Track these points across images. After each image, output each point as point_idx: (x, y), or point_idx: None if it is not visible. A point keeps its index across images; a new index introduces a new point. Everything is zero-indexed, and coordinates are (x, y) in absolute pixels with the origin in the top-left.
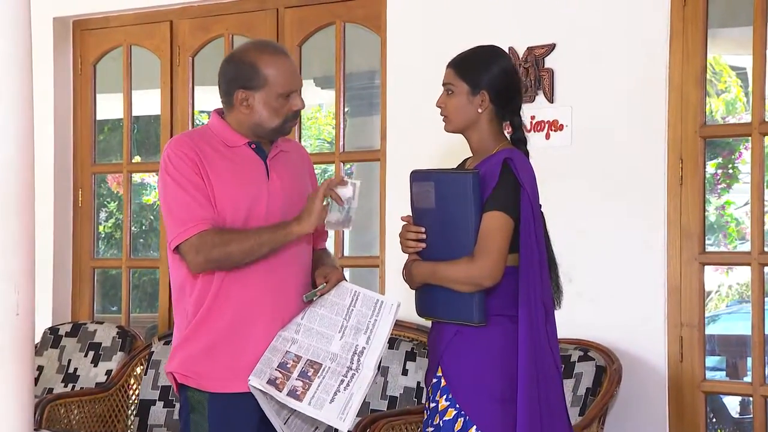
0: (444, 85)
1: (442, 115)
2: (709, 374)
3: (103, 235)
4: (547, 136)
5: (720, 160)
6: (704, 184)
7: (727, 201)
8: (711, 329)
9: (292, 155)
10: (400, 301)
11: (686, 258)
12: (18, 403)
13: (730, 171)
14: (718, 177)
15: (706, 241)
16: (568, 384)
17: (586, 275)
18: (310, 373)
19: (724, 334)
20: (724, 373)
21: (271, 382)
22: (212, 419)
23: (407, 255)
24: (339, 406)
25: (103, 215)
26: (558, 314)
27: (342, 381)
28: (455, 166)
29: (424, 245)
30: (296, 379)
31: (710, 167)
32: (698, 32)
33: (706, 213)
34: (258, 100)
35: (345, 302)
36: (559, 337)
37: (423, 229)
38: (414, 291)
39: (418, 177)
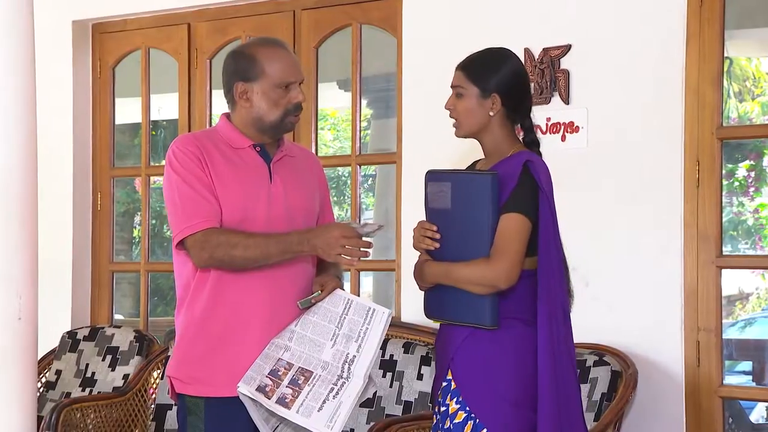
0: (453, 87)
1: (451, 118)
2: (740, 378)
3: (137, 240)
4: (563, 138)
5: (751, 161)
6: (721, 187)
7: (761, 204)
8: (747, 333)
9: (300, 160)
10: (391, 310)
11: (703, 261)
12: (20, 409)
13: (760, 174)
14: (750, 179)
15: (743, 245)
16: (583, 389)
17: (602, 279)
18: (300, 381)
19: (756, 339)
20: (751, 377)
21: (261, 389)
22: (209, 422)
23: (418, 254)
24: (327, 414)
25: (137, 219)
26: (573, 318)
27: (332, 389)
28: (466, 167)
29: (437, 245)
30: (286, 386)
31: (742, 169)
32: (715, 33)
33: (744, 217)
34: (256, 91)
35: (338, 310)
36: (575, 341)
37: (436, 228)
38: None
39: (433, 177)
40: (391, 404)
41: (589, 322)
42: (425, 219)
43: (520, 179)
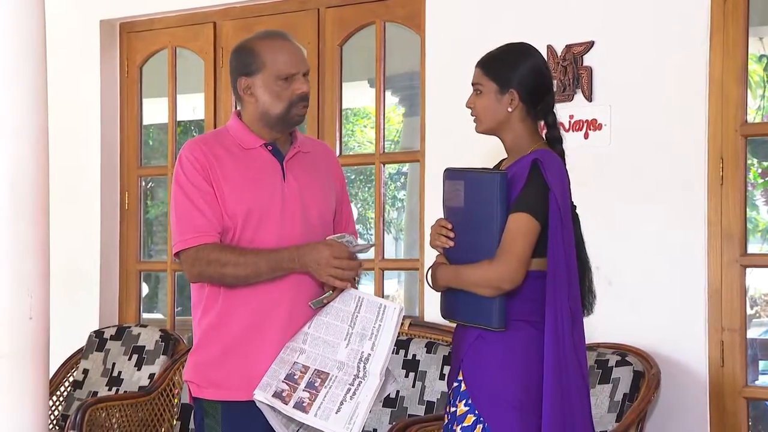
0: (473, 85)
1: (472, 116)
2: None
3: None
4: (586, 136)
5: None
6: (745, 184)
7: None
8: None
9: (314, 156)
10: (402, 305)
11: (727, 260)
12: (32, 409)
13: None
14: None
15: None
16: (605, 389)
17: (625, 278)
18: (317, 384)
19: None
20: None
21: (278, 394)
22: (226, 426)
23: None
24: (345, 415)
25: None
26: (596, 317)
27: (348, 390)
28: (492, 167)
29: (452, 243)
30: (303, 390)
31: None
32: (739, 28)
33: None
34: (258, 85)
35: (350, 308)
36: (597, 341)
37: (451, 226)
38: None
39: (450, 175)
40: (413, 404)
41: (612, 322)
42: (443, 217)
43: (528, 178)
